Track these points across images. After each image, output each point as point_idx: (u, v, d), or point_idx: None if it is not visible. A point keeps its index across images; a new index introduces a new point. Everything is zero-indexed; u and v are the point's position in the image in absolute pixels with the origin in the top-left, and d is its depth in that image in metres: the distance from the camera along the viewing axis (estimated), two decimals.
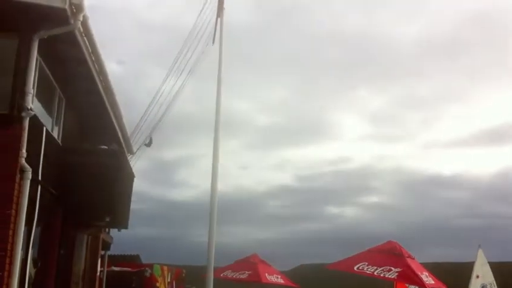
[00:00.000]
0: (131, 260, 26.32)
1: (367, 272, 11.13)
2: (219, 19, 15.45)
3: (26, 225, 8.34)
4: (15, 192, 8.01)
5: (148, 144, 16.72)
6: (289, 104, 68.33)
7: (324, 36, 59.30)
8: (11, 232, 7.89)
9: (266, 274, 15.20)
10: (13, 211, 7.94)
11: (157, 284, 23.66)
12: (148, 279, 23.03)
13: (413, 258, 11.85)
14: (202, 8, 15.73)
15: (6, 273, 7.78)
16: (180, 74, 16.01)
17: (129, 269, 22.97)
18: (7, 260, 7.83)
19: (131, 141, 16.22)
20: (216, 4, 15.57)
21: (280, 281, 15.74)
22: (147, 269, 23.47)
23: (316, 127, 70.73)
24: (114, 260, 21.80)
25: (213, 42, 15.45)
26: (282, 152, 75.54)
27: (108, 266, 19.19)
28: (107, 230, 16.67)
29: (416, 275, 10.89)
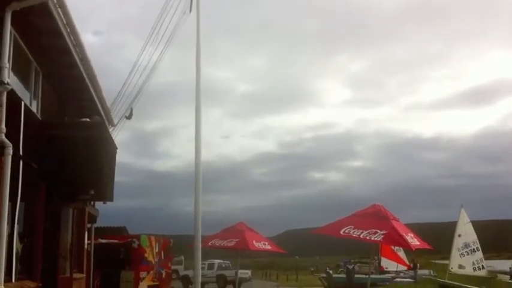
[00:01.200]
0: (118, 232, 26.34)
1: (353, 235, 11.25)
2: None
3: (9, 201, 8.29)
4: None
5: (129, 117, 16.53)
6: (269, 72, 68.35)
7: (303, 3, 58.81)
8: None
9: (254, 241, 15.33)
10: None
11: (146, 255, 23.80)
12: (136, 250, 23.14)
13: (398, 220, 11.98)
14: None
15: None
16: (158, 43, 15.71)
17: (116, 241, 23.04)
18: None
19: (112, 113, 16.04)
20: None
21: (268, 247, 15.90)
22: (134, 240, 23.57)
23: (297, 94, 71.05)
24: (101, 232, 21.83)
25: (190, 11, 15.13)
26: (263, 120, 75.85)
27: (95, 238, 19.22)
28: (92, 203, 16.61)
29: (402, 237, 11.04)
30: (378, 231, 11.14)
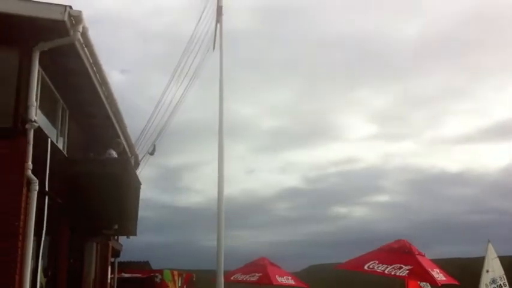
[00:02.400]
0: (141, 266, 26.36)
1: (378, 270, 11.06)
2: (218, 25, 15.43)
3: (34, 235, 8.39)
4: (23, 204, 8.06)
5: (152, 153, 16.73)
6: (293, 107, 68.59)
7: (324, 39, 59.53)
8: (20, 244, 7.94)
9: (276, 276, 15.15)
10: (21, 223, 7.99)
11: None
12: (159, 285, 23.06)
13: (424, 255, 11.77)
14: (201, 15, 15.73)
15: (17, 285, 7.82)
16: (182, 81, 16.01)
17: (139, 275, 23.01)
18: (17, 271, 7.87)
19: (136, 150, 16.27)
20: (215, 10, 15.57)
21: (291, 282, 15.68)
22: (157, 274, 23.51)
23: (320, 129, 70.96)
24: (124, 267, 21.86)
25: (214, 48, 15.44)
26: (287, 155, 75.82)
27: (119, 273, 19.25)
28: (115, 237, 16.71)
29: (427, 272, 10.81)
30: (403, 266, 10.96)
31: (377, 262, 11.26)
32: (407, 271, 10.89)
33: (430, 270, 10.99)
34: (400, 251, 11.44)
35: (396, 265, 11.00)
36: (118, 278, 18.78)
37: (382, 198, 74.49)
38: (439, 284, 11.59)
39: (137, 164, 16.49)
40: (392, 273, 10.98)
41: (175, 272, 25.64)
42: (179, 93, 16.15)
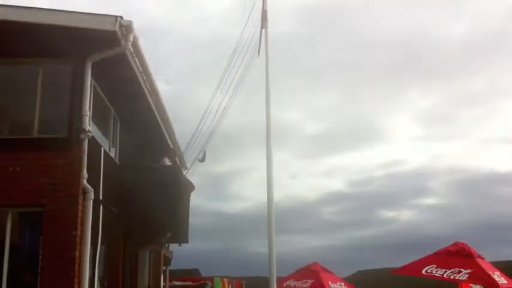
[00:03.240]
0: (191, 274, 26.54)
1: (436, 274, 10.75)
2: (263, 30, 15.39)
3: (90, 244, 8.48)
4: (80, 213, 8.16)
5: (202, 159, 16.75)
6: (337, 110, 67.88)
7: (369, 41, 58.75)
8: (77, 253, 8.04)
9: (329, 282, 14.91)
10: (79, 232, 8.09)
11: None
12: None
13: (483, 258, 11.36)
14: (247, 21, 15.72)
15: None
16: (229, 88, 16.02)
17: (190, 283, 23.15)
18: (75, 280, 7.97)
19: (184, 158, 16.39)
20: (260, 16, 15.54)
21: None
22: (207, 282, 23.60)
23: (366, 132, 69.87)
24: (175, 275, 22.01)
25: (258, 54, 15.40)
26: (332, 159, 74.91)
27: (169, 281, 19.36)
28: (167, 245, 16.82)
29: (488, 275, 10.41)
30: (463, 270, 10.59)
31: (435, 266, 10.95)
32: (467, 275, 10.52)
33: (491, 273, 10.59)
34: (458, 254, 11.07)
35: (455, 269, 10.64)
36: (169, 286, 18.89)
37: (430, 200, 72.60)
38: None
39: (186, 171, 16.58)
40: (452, 277, 10.64)
41: (226, 280, 25.67)
42: (225, 100, 16.19)
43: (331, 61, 61.93)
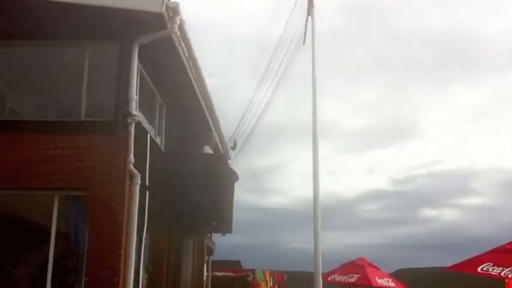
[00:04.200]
0: (232, 265, 26.45)
1: (493, 273, 10.23)
2: (309, 18, 14.98)
3: (136, 231, 8.34)
4: (126, 198, 8.01)
5: (234, 147, 16.61)
6: (379, 106, 66.56)
7: (412, 36, 57.32)
8: (123, 238, 7.90)
9: (376, 277, 14.51)
10: (125, 217, 7.95)
11: None
12: (251, 284, 23.00)
13: None
14: (293, 8, 15.34)
15: (121, 279, 7.78)
16: (272, 81, 15.70)
17: (231, 274, 23.07)
18: (121, 266, 7.84)
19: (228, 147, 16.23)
20: (306, 2, 15.13)
21: (392, 284, 14.95)
22: (249, 273, 23.47)
23: (409, 128, 68.29)
24: (216, 265, 21.96)
25: (304, 42, 15.00)
26: (373, 155, 73.55)
27: (211, 271, 19.31)
28: (209, 235, 16.74)
29: None
30: None
31: (491, 264, 10.45)
32: None
33: None
34: None
35: None
36: (211, 276, 18.83)
37: (474, 200, 70.33)
38: None
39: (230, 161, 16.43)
40: (510, 275, 10.13)
41: (267, 272, 25.48)
42: (268, 93, 15.90)
43: (373, 57, 60.72)
